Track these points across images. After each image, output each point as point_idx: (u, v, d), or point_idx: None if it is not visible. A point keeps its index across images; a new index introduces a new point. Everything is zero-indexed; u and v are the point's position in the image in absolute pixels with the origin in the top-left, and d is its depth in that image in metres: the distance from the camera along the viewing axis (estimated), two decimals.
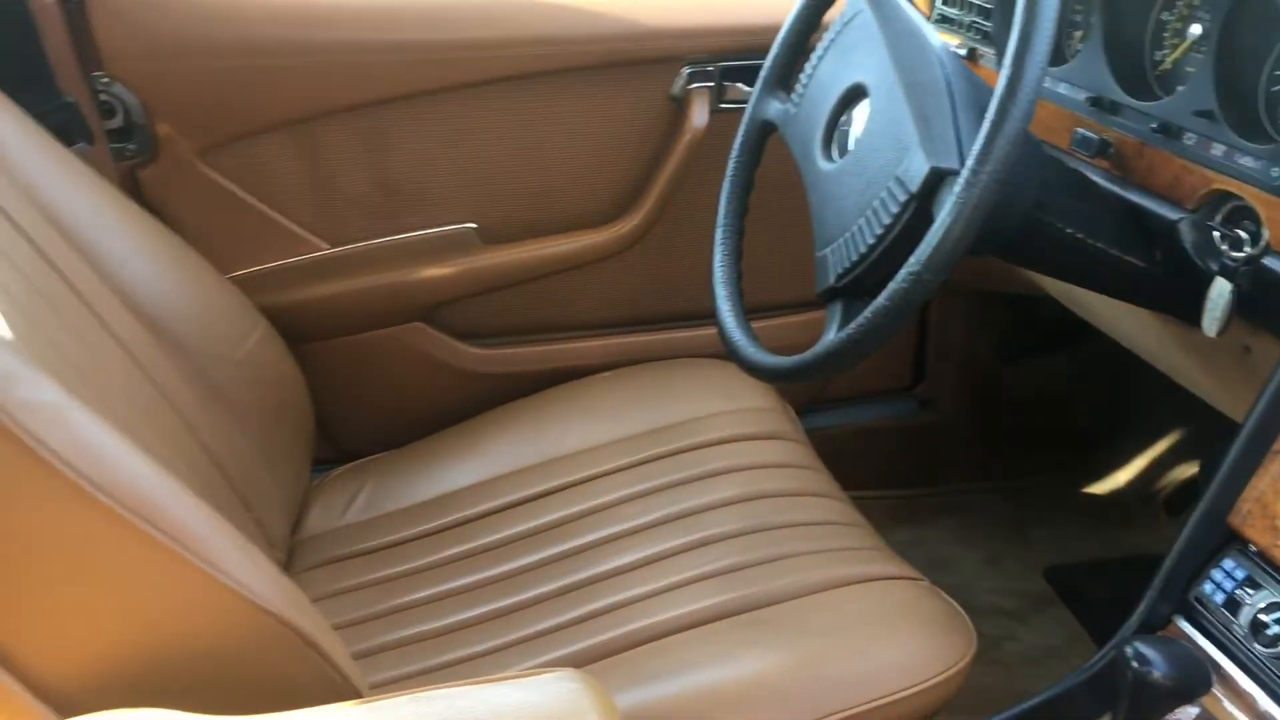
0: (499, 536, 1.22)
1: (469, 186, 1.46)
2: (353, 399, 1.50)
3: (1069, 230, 1.02)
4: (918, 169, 0.91)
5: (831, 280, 1.00)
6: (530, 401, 1.44)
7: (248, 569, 0.78)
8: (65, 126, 1.23)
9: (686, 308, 1.57)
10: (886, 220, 0.93)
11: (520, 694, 0.73)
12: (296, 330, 1.39)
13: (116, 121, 1.31)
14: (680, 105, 1.48)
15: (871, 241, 0.95)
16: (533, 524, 1.23)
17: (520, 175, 1.47)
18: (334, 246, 1.44)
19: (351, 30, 1.36)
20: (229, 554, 0.78)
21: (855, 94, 1.06)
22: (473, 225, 1.47)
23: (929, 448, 1.78)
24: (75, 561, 0.72)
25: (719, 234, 1.20)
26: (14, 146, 1.07)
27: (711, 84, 1.47)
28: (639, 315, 1.58)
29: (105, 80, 1.29)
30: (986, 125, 0.83)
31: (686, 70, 1.46)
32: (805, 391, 1.67)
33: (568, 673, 0.75)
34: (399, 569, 1.21)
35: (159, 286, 1.17)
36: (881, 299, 0.87)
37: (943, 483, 1.80)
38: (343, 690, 0.82)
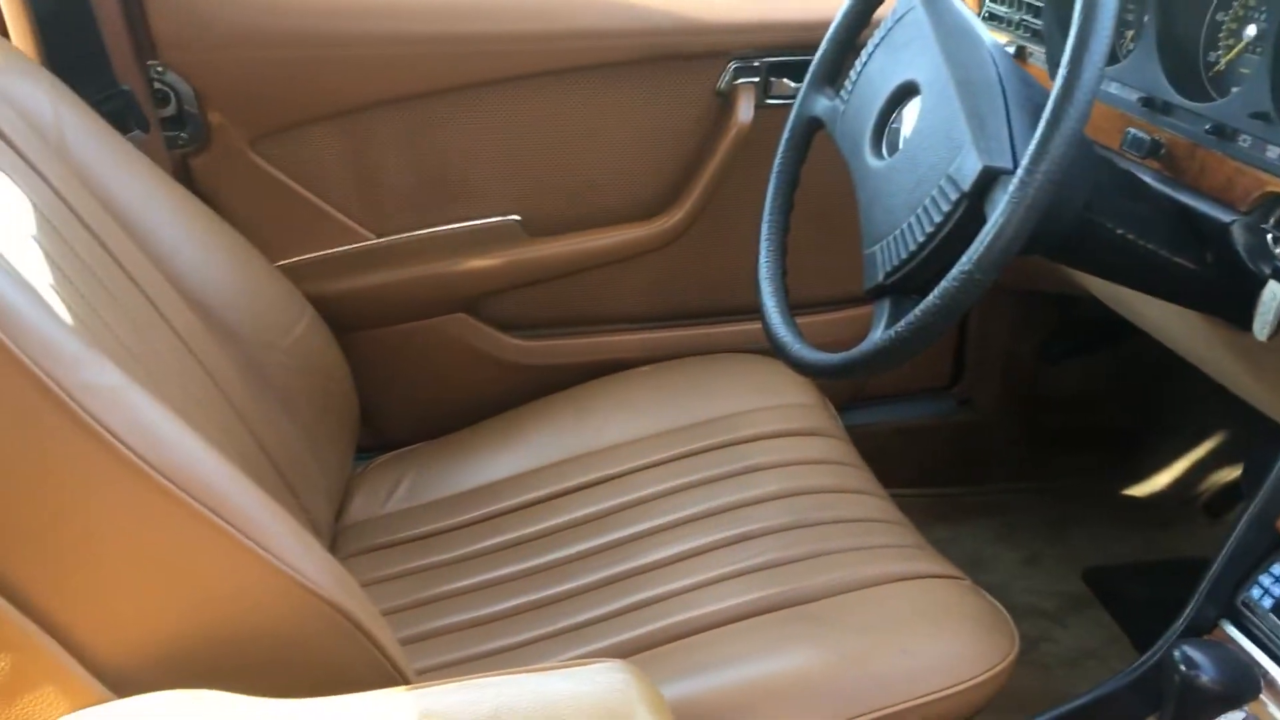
0: (539, 528, 1.23)
1: (513, 179, 1.47)
2: (396, 388, 1.52)
3: (1120, 231, 1.02)
4: (970, 168, 0.90)
5: (880, 278, 1.00)
6: (571, 394, 1.45)
7: (301, 554, 0.80)
8: (121, 114, 1.25)
9: (728, 302, 1.57)
10: (937, 219, 0.93)
11: (568, 684, 0.74)
12: (342, 319, 1.41)
13: (170, 110, 1.33)
14: (726, 100, 1.48)
15: (921, 240, 0.95)
16: (573, 516, 1.24)
17: (565, 168, 1.48)
18: (380, 237, 1.46)
19: (401, 22, 1.37)
20: (283, 539, 0.79)
21: (906, 92, 1.05)
22: (517, 217, 1.48)
23: (968, 446, 1.78)
24: (133, 543, 0.74)
25: (765, 230, 1.21)
26: (73, 133, 1.09)
27: (757, 79, 1.47)
28: (680, 309, 1.58)
29: (160, 69, 1.31)
30: (1043, 125, 0.83)
31: (733, 65, 1.46)
32: (845, 389, 1.67)
33: (615, 664, 0.76)
34: (441, 557, 1.22)
35: (210, 273, 1.18)
36: (932, 298, 0.87)
37: (981, 482, 1.79)
38: (391, 676, 0.83)
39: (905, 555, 1.14)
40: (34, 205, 0.97)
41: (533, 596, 1.14)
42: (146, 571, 0.74)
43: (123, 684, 0.74)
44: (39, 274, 0.90)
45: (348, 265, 1.45)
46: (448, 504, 1.31)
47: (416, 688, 0.75)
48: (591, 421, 1.38)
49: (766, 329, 1.13)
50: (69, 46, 1.20)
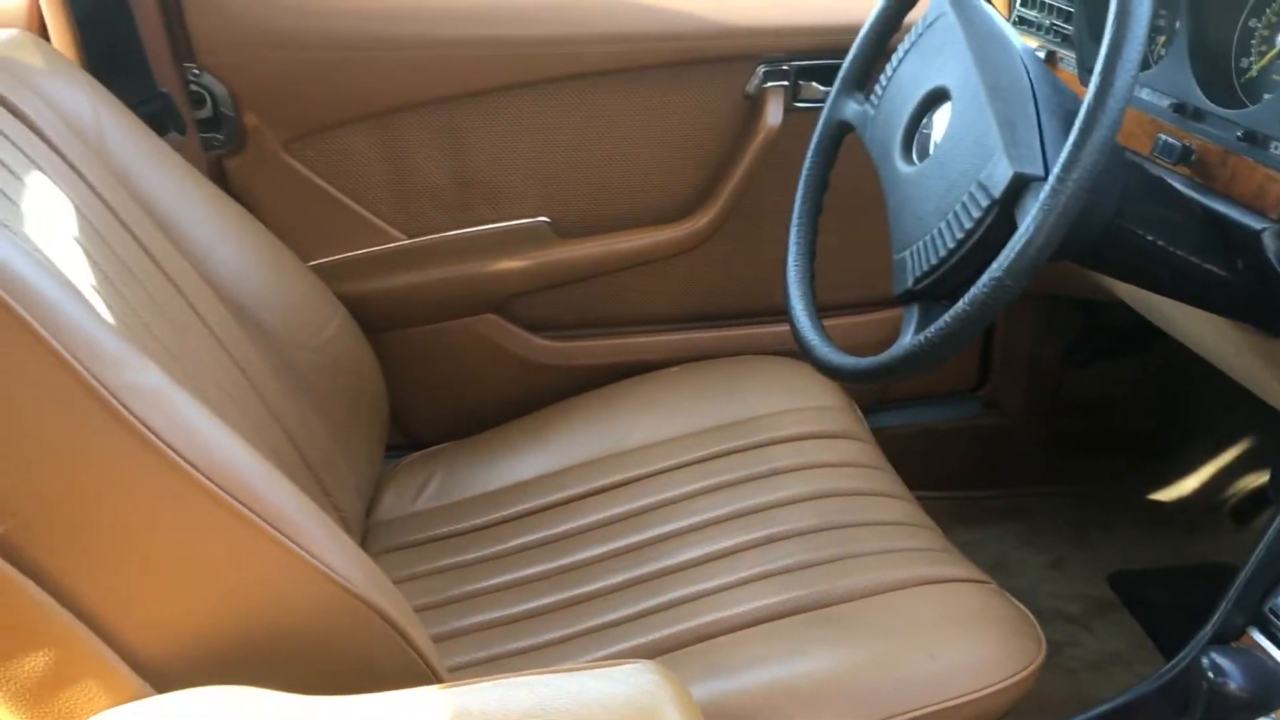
0: (567, 527, 1.24)
1: (543, 181, 1.48)
2: (425, 387, 1.53)
3: (1150, 238, 1.02)
4: (1001, 174, 0.91)
5: (910, 283, 1.00)
6: (598, 394, 1.46)
7: (336, 552, 0.81)
8: (159, 116, 1.27)
9: (755, 305, 1.58)
10: (968, 225, 0.94)
11: (601, 684, 0.75)
12: (373, 319, 1.42)
13: (205, 112, 1.35)
14: (755, 103, 1.48)
15: (952, 246, 0.95)
16: (600, 516, 1.25)
17: (594, 171, 1.49)
18: (411, 238, 1.47)
19: (434, 26, 1.38)
20: (319, 537, 0.80)
21: (937, 97, 1.06)
22: (546, 219, 1.49)
23: (993, 450, 1.78)
24: (173, 541, 0.75)
25: (793, 233, 1.21)
26: (112, 135, 1.11)
27: (786, 83, 1.47)
28: (708, 311, 1.59)
29: (196, 72, 1.33)
30: (1075, 133, 0.83)
31: (762, 69, 1.47)
32: (871, 391, 1.67)
33: (647, 664, 0.76)
34: (469, 556, 1.23)
35: (244, 273, 1.20)
36: (962, 304, 0.88)
37: (1006, 485, 1.79)
38: (423, 675, 0.84)
39: (931, 559, 1.14)
40: (75, 206, 0.98)
41: (560, 596, 1.15)
42: (186, 568, 0.75)
43: (161, 679, 0.75)
44: (81, 274, 0.92)
45: (379, 266, 1.46)
46: (476, 503, 1.32)
47: (450, 686, 0.76)
48: (619, 422, 1.39)
49: (795, 332, 1.14)
50: (108, 49, 1.22)
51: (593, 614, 1.11)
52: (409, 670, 0.83)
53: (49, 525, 0.71)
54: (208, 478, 0.74)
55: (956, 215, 0.95)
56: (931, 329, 0.92)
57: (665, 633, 1.07)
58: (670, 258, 1.52)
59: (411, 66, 1.39)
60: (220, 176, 1.39)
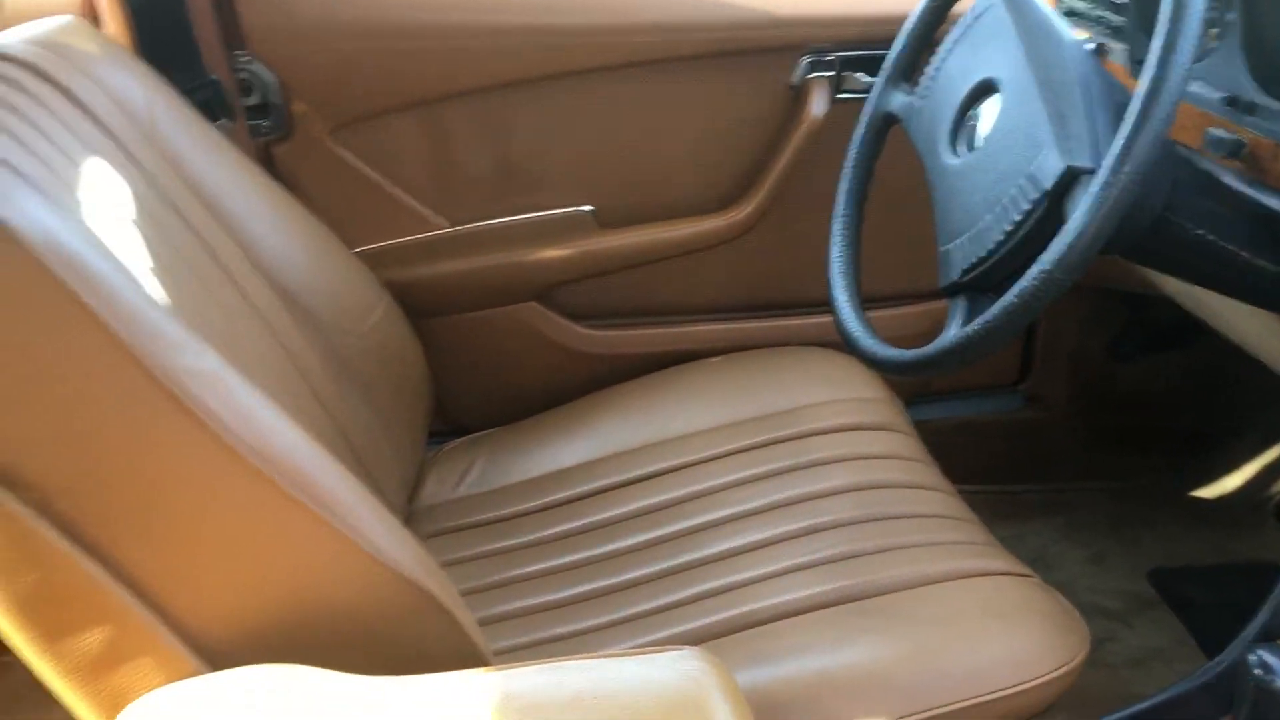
0: (609, 515, 1.25)
1: (587, 170, 1.49)
2: (467, 374, 1.54)
3: (1199, 232, 1.01)
4: (1052, 167, 0.90)
5: (956, 275, 1.00)
6: (640, 383, 1.47)
7: (385, 536, 0.82)
8: (209, 103, 1.28)
9: (796, 296, 1.58)
10: (1016, 217, 0.93)
11: (647, 669, 0.76)
12: (416, 306, 1.43)
13: (254, 99, 1.36)
14: (798, 94, 1.48)
15: (1000, 238, 0.95)
16: (641, 504, 1.25)
17: (637, 160, 1.49)
18: (454, 225, 1.48)
19: (480, 14, 1.39)
20: (369, 521, 0.81)
21: (985, 89, 1.05)
22: (589, 208, 1.49)
23: (1034, 444, 1.77)
24: (228, 522, 0.76)
25: (838, 225, 1.21)
26: (164, 121, 1.12)
27: (831, 73, 1.47)
28: (749, 301, 1.59)
29: (246, 59, 1.34)
30: (1128, 126, 0.83)
31: (806, 59, 1.46)
32: (911, 384, 1.67)
33: (693, 651, 0.77)
34: (512, 542, 1.24)
35: (292, 259, 1.21)
36: (1010, 296, 0.87)
37: (1047, 480, 1.78)
38: (470, 658, 0.85)
39: (975, 552, 1.14)
40: (129, 190, 1.00)
41: (602, 583, 1.16)
42: (240, 549, 0.76)
43: (215, 658, 0.76)
44: (136, 258, 0.93)
45: (423, 253, 1.48)
46: (518, 489, 1.33)
47: (497, 669, 0.76)
48: (660, 411, 1.39)
49: (839, 325, 1.14)
50: (160, 36, 1.24)
51: (635, 601, 1.12)
52: (457, 653, 0.84)
53: (108, 504, 0.72)
54: (263, 462, 0.76)
55: (1005, 207, 0.95)
56: (978, 321, 0.92)
57: (707, 620, 1.07)
58: (712, 248, 1.53)
59: (457, 55, 1.40)
60: (267, 163, 1.40)
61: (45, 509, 0.70)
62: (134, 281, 0.78)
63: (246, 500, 0.76)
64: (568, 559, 1.20)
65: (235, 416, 0.76)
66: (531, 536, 1.25)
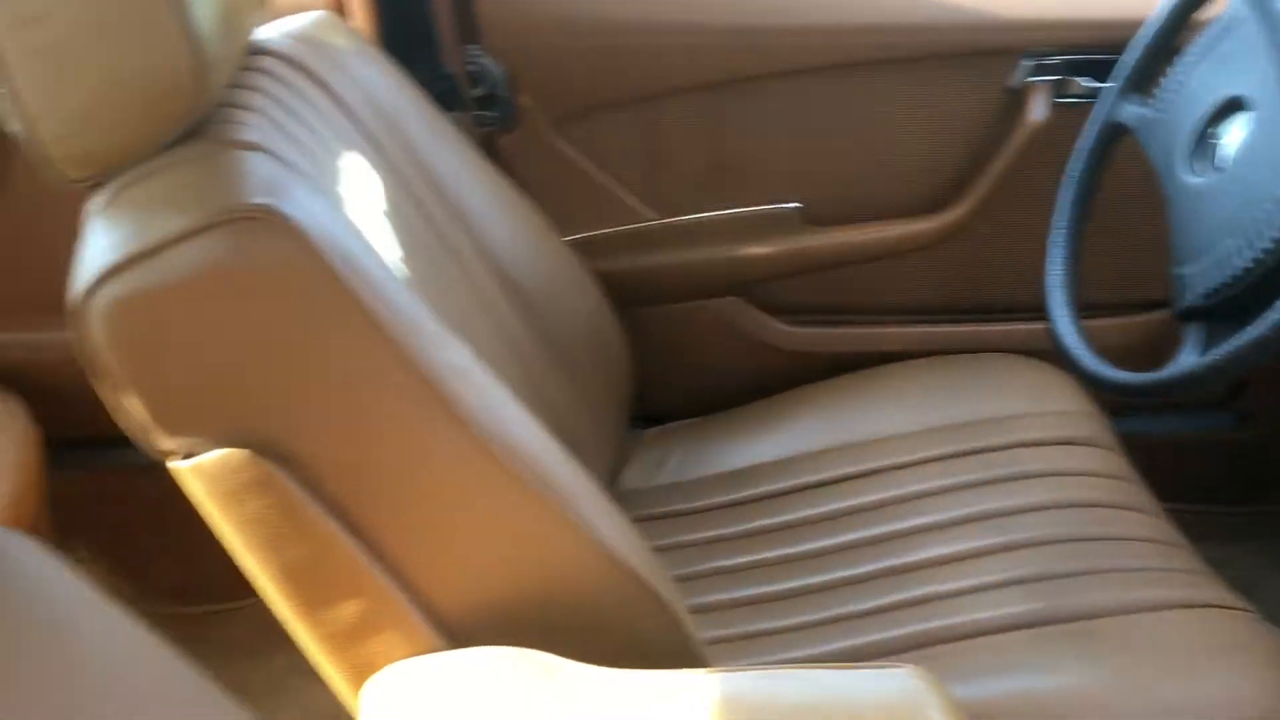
0: (805, 514, 1.26)
1: (796, 168, 1.49)
2: (667, 364, 1.57)
3: None
4: None
5: (1194, 300, 0.97)
6: (837, 383, 1.47)
7: (611, 529, 0.85)
8: (445, 96, 1.34)
9: (1003, 302, 1.55)
10: (1266, 244, 0.90)
11: (868, 683, 0.77)
12: (621, 295, 1.47)
13: (480, 90, 1.41)
14: (1016, 98, 1.45)
15: (1246, 265, 0.92)
16: (838, 506, 1.26)
17: (846, 160, 1.49)
18: (663, 218, 1.51)
19: (705, 13, 1.41)
20: (598, 515, 0.85)
21: (1232, 106, 1.02)
22: (797, 205, 1.50)
23: (1246, 464, 1.70)
24: (474, 510, 0.81)
25: (1059, 235, 1.19)
26: (406, 113, 1.17)
27: (1053, 78, 1.44)
28: (952, 305, 1.57)
29: (477, 52, 1.39)
30: None
31: (1027, 62, 1.43)
32: (1116, 398, 1.62)
33: (914, 669, 0.78)
34: (710, 534, 1.27)
35: (513, 247, 1.26)
36: (1262, 329, 0.85)
37: (1258, 502, 1.71)
38: (684, 656, 0.88)
39: (1186, 581, 1.11)
40: (381, 183, 1.05)
41: (798, 583, 1.17)
42: (485, 536, 0.81)
43: (455, 636, 0.81)
44: (390, 250, 0.98)
45: (631, 244, 1.51)
46: (716, 481, 1.35)
47: (719, 672, 0.79)
48: (858, 412, 1.39)
49: (1058, 340, 1.12)
50: (403, 30, 1.30)
51: (834, 603, 1.13)
52: (672, 647, 0.87)
53: (372, 488, 0.77)
54: (508, 455, 0.80)
55: (1252, 233, 0.92)
56: (1220, 350, 0.89)
57: (905, 631, 1.07)
58: (918, 250, 1.51)
59: (677, 53, 1.43)
60: (490, 153, 1.45)
61: (316, 488, 0.76)
62: (393, 275, 0.83)
63: (492, 491, 0.80)
64: (764, 555, 1.22)
65: (484, 411, 0.80)
66: (728, 530, 1.27)
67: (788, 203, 1.50)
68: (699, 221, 1.51)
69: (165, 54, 0.73)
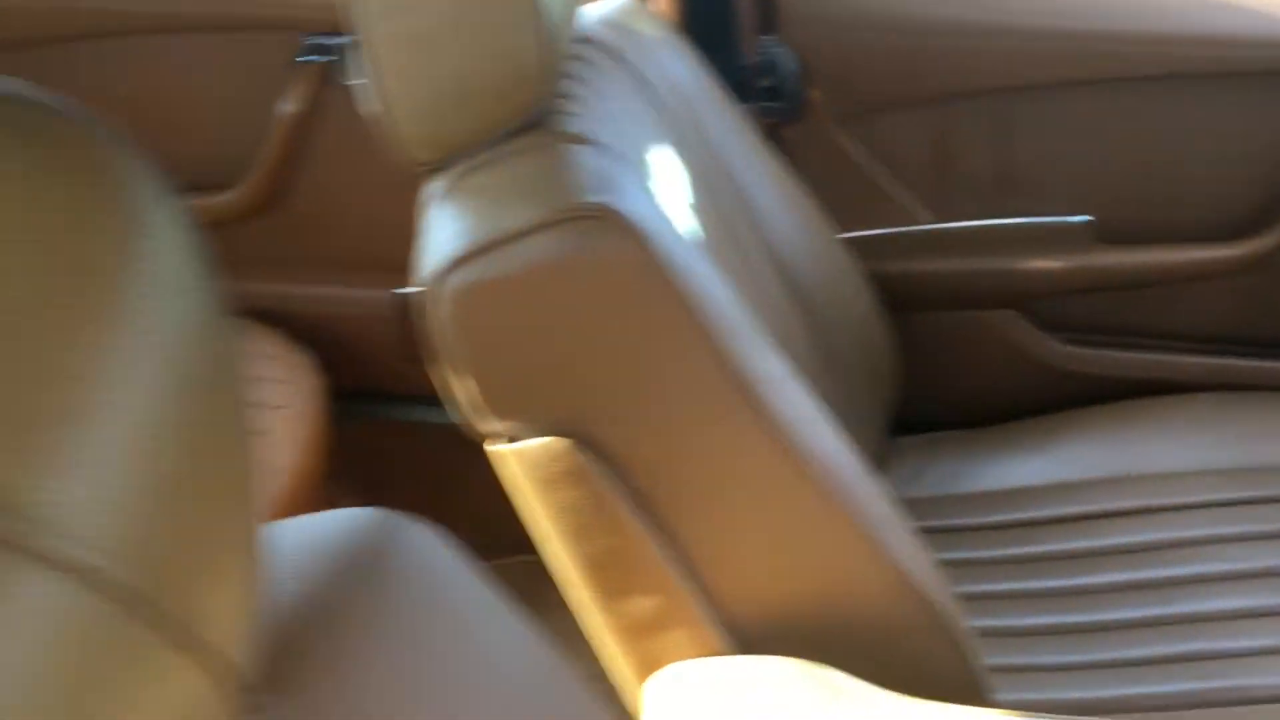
0: (1080, 546, 1.20)
1: (1089, 182, 1.43)
2: (931, 373, 1.52)
3: None
4: None
5: None
6: (1116, 409, 1.39)
7: (911, 554, 0.83)
8: (738, 85, 1.33)
9: None
10: None
11: None
12: (891, 298, 1.43)
13: (768, 81, 1.40)
14: None
15: None
16: (1116, 541, 1.20)
17: (1149, 176, 1.41)
18: (942, 222, 1.46)
19: (1003, 15, 1.36)
20: (896, 533, 0.83)
21: None
22: (1089, 220, 1.43)
23: None
24: (775, 518, 0.80)
25: None
26: (704, 103, 1.17)
27: None
28: (1249, 338, 1.47)
29: (770, 43, 1.38)
30: None
31: None
32: None
33: None
34: (979, 554, 1.23)
35: (794, 242, 1.24)
36: None
37: None
38: (969, 684, 0.85)
39: None
40: (686, 174, 1.05)
41: (1072, 619, 1.12)
42: (782, 544, 0.80)
43: (744, 641, 0.81)
44: (700, 246, 0.98)
45: (904, 247, 1.47)
46: (982, 499, 1.31)
47: (1009, 715, 0.76)
48: (1138, 443, 1.32)
49: None
50: (704, 18, 1.30)
51: (1108, 646, 1.08)
52: (958, 679, 0.85)
53: (678, 485, 0.78)
54: (811, 466, 0.79)
55: None
56: None
57: (1183, 687, 1.01)
58: (1220, 277, 1.42)
59: (979, 55, 1.38)
60: (771, 145, 1.44)
61: (625, 481, 0.76)
62: (711, 274, 0.83)
63: (794, 500, 0.79)
64: (1034, 584, 1.17)
65: (794, 421, 0.79)
66: (995, 553, 1.23)
67: (1078, 217, 1.43)
68: (980, 229, 1.45)
69: (519, 44, 0.75)
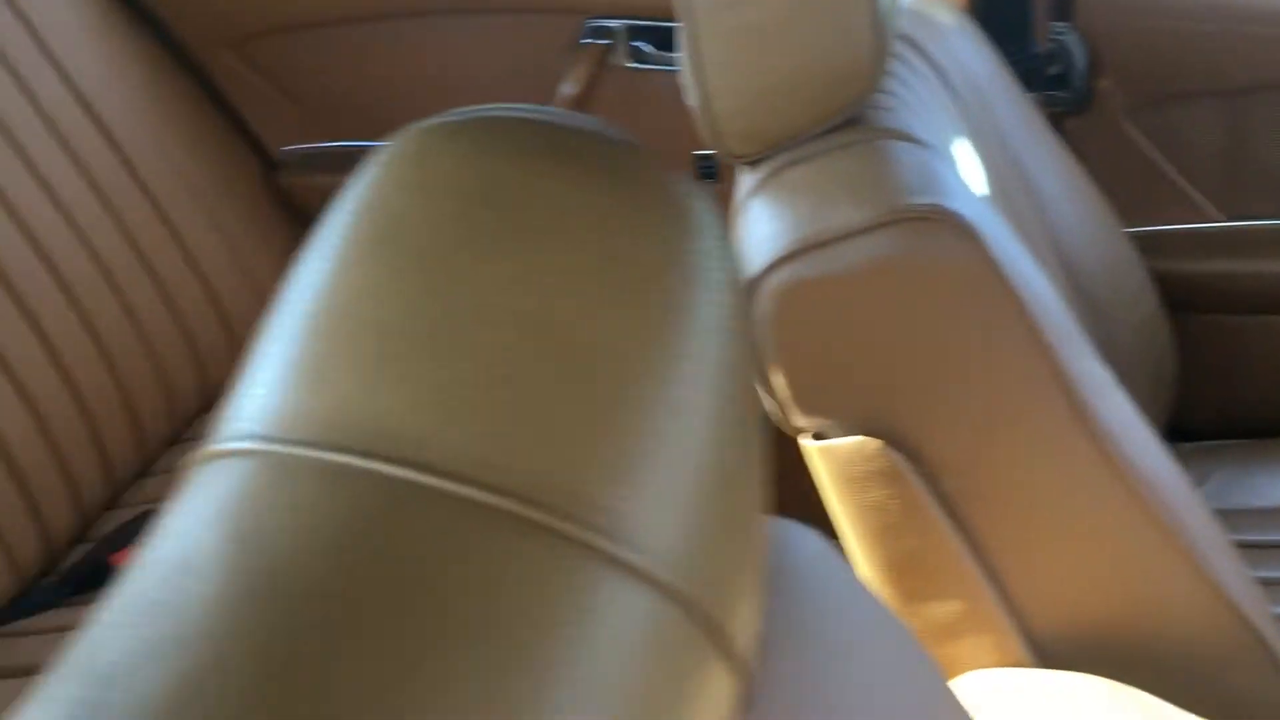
0: None
1: None
2: (1212, 379, 1.45)
3: None
4: None
5: None
6: None
7: (1233, 573, 0.79)
8: (1027, 74, 1.29)
9: None
10: None
11: None
12: (1174, 298, 1.37)
13: (1055, 69, 1.35)
14: None
15: None
16: None
17: None
18: (1232, 221, 1.39)
19: None
20: (1220, 554, 0.79)
21: None
22: None
23: None
24: (1086, 528, 0.78)
25: None
26: (996, 93, 1.14)
27: None
28: None
29: (1061, 30, 1.33)
30: None
31: None
32: None
33: None
34: (1270, 574, 1.16)
35: (1078, 234, 1.20)
36: None
37: None
38: None
39: None
40: (985, 167, 1.03)
41: None
42: (1094, 556, 0.78)
43: (1045, 654, 0.79)
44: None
45: (1191, 244, 1.40)
46: (1255, 517, 1.24)
47: None
48: None
49: None
50: (997, 5, 1.26)
51: None
52: (1269, 699, 0.80)
53: (988, 490, 0.76)
54: (1134, 477, 0.76)
55: None
56: None
57: None
58: None
59: (1277, 43, 1.29)
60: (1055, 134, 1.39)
61: (935, 484, 0.75)
62: (1037, 275, 0.81)
63: (1112, 511, 0.76)
64: None
65: (1117, 428, 0.76)
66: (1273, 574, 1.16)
67: None
68: (1277, 229, 1.37)
69: (853, 40, 0.74)
